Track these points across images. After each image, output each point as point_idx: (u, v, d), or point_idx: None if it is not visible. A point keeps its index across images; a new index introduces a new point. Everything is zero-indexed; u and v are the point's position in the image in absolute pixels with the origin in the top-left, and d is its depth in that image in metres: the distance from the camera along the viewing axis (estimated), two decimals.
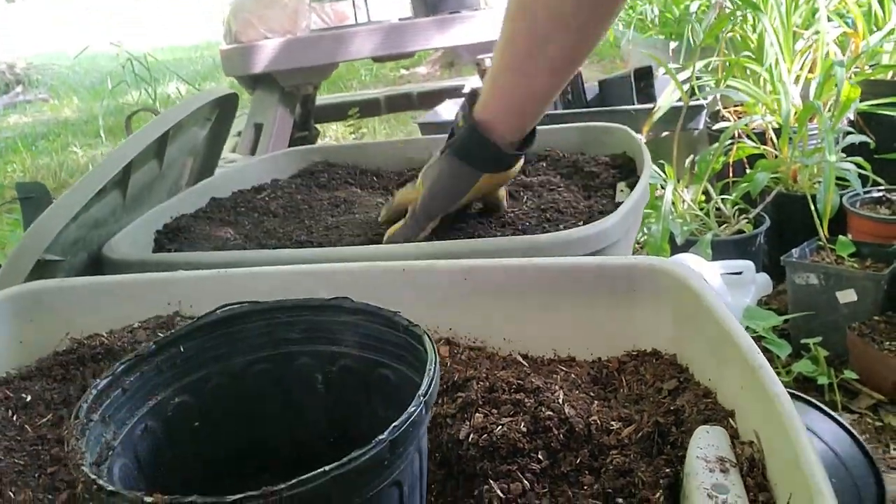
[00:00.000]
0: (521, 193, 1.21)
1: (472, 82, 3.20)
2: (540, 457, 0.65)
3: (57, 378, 0.72)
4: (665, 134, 2.01)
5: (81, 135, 4.98)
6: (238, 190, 1.41)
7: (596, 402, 0.72)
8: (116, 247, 1.03)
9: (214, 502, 0.39)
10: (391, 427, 0.43)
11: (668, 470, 0.61)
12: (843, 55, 2.04)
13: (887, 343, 1.44)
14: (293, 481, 0.39)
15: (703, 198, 1.87)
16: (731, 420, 0.63)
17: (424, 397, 0.47)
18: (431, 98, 3.18)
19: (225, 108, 1.38)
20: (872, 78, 2.04)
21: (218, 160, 1.49)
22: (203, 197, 1.33)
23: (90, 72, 7.67)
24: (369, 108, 3.21)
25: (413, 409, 0.45)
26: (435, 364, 0.50)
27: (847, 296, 1.49)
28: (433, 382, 0.48)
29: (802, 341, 1.55)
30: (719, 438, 0.59)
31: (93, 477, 0.42)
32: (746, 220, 1.80)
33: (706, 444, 0.58)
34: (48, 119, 5.85)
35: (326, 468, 0.40)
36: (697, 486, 0.54)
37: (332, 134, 3.97)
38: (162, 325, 0.79)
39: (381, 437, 0.42)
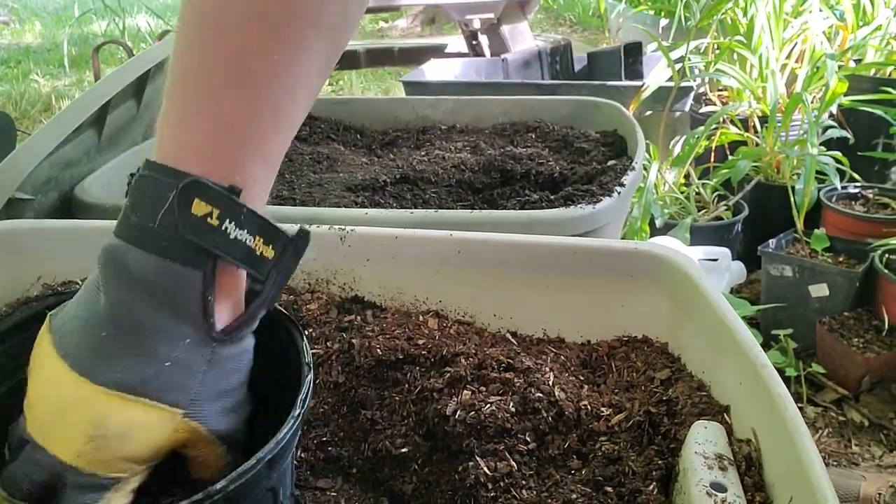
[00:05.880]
0: (511, 165, 1.19)
1: (454, 42, 3.13)
2: (528, 438, 0.64)
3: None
4: (649, 113, 1.99)
5: (44, 63, 4.78)
6: None
7: (586, 386, 0.71)
8: (89, 189, 0.98)
9: None
10: (268, 447, 0.44)
11: (659, 461, 0.60)
12: (831, 48, 2.03)
13: (855, 339, 1.46)
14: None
15: (683, 181, 1.86)
16: (725, 415, 0.62)
17: (298, 419, 0.47)
18: (413, 55, 3.11)
19: None
20: (856, 73, 2.05)
21: None
22: None
23: None
24: (348, 61, 3.12)
25: (286, 430, 0.45)
26: (310, 387, 0.49)
27: (819, 290, 1.50)
28: (306, 404, 0.48)
29: (773, 332, 1.57)
30: (717, 435, 0.58)
31: None
32: (725, 207, 1.80)
33: (704, 439, 0.57)
34: (9, 44, 5.61)
35: (217, 486, 0.41)
36: (696, 483, 0.53)
37: None
38: None
39: (259, 454, 0.43)
